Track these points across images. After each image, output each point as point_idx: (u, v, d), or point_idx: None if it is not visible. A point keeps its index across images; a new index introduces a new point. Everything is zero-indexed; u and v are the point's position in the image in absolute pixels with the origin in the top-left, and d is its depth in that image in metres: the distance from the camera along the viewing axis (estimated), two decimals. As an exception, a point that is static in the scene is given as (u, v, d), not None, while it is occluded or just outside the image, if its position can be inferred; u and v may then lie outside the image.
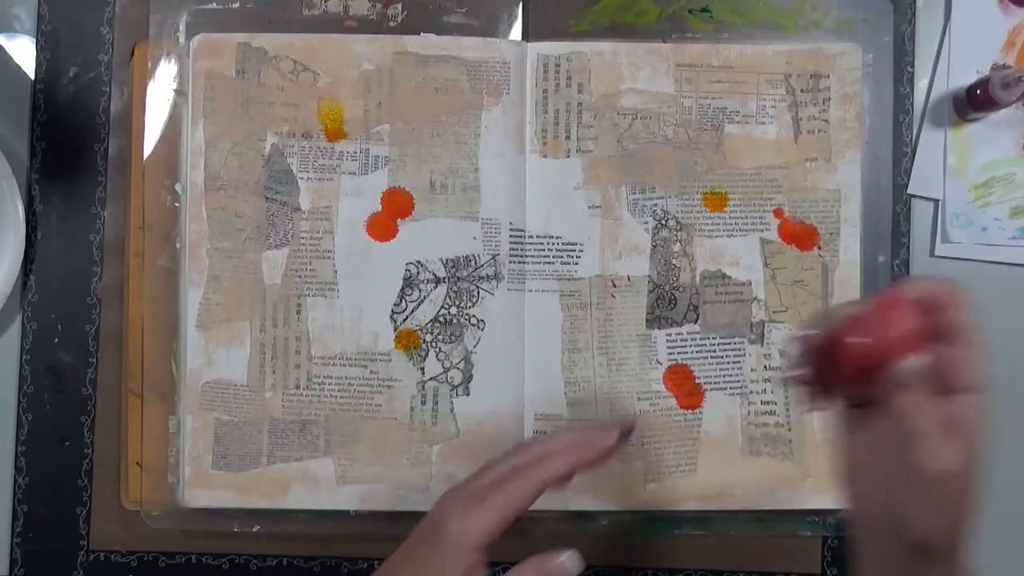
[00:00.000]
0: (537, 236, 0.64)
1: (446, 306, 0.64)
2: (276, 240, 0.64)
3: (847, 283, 0.64)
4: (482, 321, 0.64)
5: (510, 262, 0.64)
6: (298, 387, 0.64)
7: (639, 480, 0.64)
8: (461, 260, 0.64)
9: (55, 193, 0.66)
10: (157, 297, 0.64)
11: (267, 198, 0.64)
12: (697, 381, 0.64)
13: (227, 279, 0.64)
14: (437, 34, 0.65)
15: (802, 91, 0.65)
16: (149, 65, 0.64)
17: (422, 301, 0.64)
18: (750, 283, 0.64)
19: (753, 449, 0.64)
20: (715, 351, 0.64)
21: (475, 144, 0.64)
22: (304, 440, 0.63)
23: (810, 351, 0.41)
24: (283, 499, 0.63)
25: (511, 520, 0.42)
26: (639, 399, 0.64)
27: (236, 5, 0.65)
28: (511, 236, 0.64)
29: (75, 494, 0.65)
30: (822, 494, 0.64)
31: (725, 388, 0.64)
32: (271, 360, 0.64)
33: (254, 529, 0.64)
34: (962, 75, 0.66)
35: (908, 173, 0.66)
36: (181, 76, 0.64)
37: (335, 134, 0.64)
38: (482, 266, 0.64)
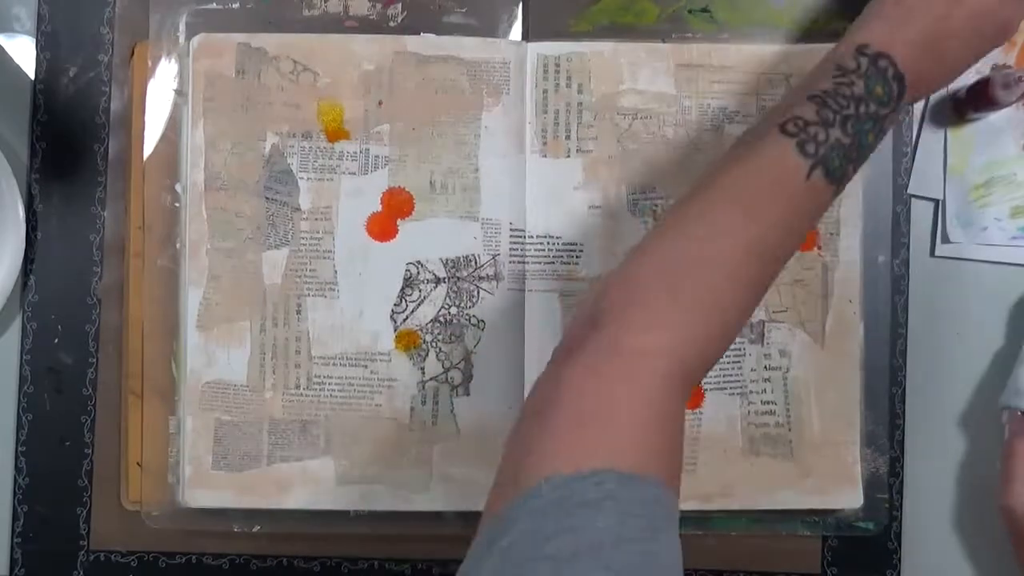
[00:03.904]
0: (537, 236, 0.64)
1: (446, 306, 0.64)
2: (276, 240, 0.64)
3: (847, 283, 0.64)
4: (482, 321, 0.64)
5: (510, 262, 0.64)
6: (298, 387, 0.64)
7: (639, 480, 0.63)
8: (461, 260, 0.64)
9: (55, 193, 0.66)
10: (157, 297, 0.64)
11: (267, 198, 0.64)
12: (697, 381, 0.64)
13: (227, 279, 0.64)
14: (437, 34, 0.65)
15: (802, 91, 0.64)
16: (149, 65, 0.64)
17: (422, 301, 0.64)
18: (750, 283, 0.64)
19: (753, 449, 0.64)
20: (715, 351, 0.64)
21: (475, 144, 0.64)
22: (304, 440, 0.63)
23: None
24: (283, 499, 0.63)
25: None
26: (639, 399, 0.64)
27: (236, 5, 0.65)
28: (511, 236, 0.64)
29: (75, 494, 0.65)
30: (822, 494, 0.64)
31: (725, 388, 0.64)
32: (271, 360, 0.64)
33: (254, 529, 0.64)
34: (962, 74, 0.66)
35: (908, 173, 0.66)
36: (181, 76, 0.64)
37: (335, 134, 0.64)
38: (482, 266, 0.64)
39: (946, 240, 0.66)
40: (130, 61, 0.66)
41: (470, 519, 0.63)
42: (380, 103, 0.64)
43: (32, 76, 0.66)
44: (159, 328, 0.64)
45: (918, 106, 0.66)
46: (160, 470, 0.64)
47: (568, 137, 0.64)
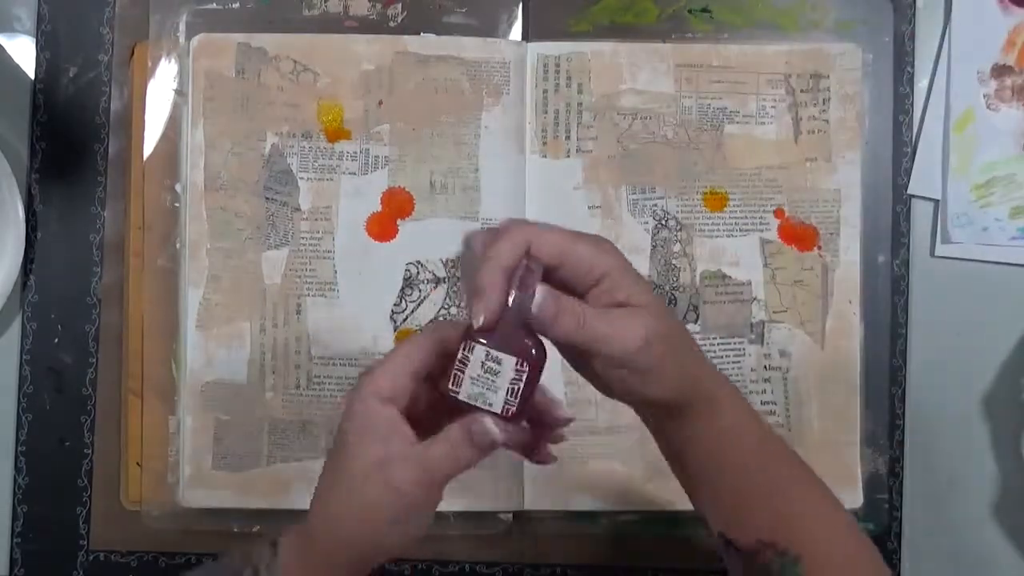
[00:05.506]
0: (537, 236, 0.64)
1: (446, 306, 0.64)
2: (276, 240, 0.64)
3: (847, 283, 0.64)
4: (482, 321, 0.64)
5: (510, 262, 0.64)
6: (298, 387, 0.64)
7: (639, 480, 0.63)
8: (461, 260, 0.64)
9: (55, 193, 0.66)
10: (157, 297, 0.64)
11: (267, 198, 0.64)
12: (697, 381, 0.64)
13: (227, 279, 0.64)
14: (437, 34, 0.65)
15: (802, 91, 0.65)
16: (149, 65, 0.64)
17: (422, 301, 0.64)
18: (750, 283, 0.64)
19: (753, 449, 0.64)
20: (715, 351, 0.64)
21: (475, 144, 0.64)
22: (304, 440, 0.63)
23: None
24: (283, 499, 0.63)
25: (413, 372, 0.42)
26: (639, 399, 0.64)
27: (236, 5, 0.65)
28: (511, 236, 0.64)
29: (75, 494, 0.65)
30: (822, 494, 0.63)
31: (725, 388, 0.64)
32: (271, 360, 0.64)
33: (254, 529, 0.64)
34: (962, 75, 0.66)
35: (908, 173, 0.66)
36: (181, 76, 0.64)
37: (335, 134, 0.64)
38: (482, 266, 0.64)
39: (946, 240, 0.66)
40: (130, 61, 0.66)
41: (470, 519, 0.63)
42: (380, 103, 0.64)
43: (32, 76, 0.66)
44: (159, 328, 0.64)
45: (918, 106, 0.66)
46: (160, 470, 0.64)
47: (568, 137, 0.64)
